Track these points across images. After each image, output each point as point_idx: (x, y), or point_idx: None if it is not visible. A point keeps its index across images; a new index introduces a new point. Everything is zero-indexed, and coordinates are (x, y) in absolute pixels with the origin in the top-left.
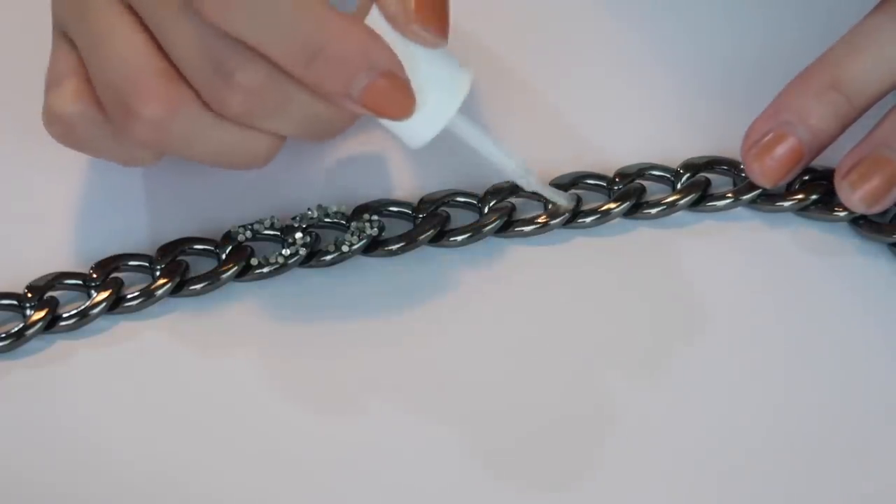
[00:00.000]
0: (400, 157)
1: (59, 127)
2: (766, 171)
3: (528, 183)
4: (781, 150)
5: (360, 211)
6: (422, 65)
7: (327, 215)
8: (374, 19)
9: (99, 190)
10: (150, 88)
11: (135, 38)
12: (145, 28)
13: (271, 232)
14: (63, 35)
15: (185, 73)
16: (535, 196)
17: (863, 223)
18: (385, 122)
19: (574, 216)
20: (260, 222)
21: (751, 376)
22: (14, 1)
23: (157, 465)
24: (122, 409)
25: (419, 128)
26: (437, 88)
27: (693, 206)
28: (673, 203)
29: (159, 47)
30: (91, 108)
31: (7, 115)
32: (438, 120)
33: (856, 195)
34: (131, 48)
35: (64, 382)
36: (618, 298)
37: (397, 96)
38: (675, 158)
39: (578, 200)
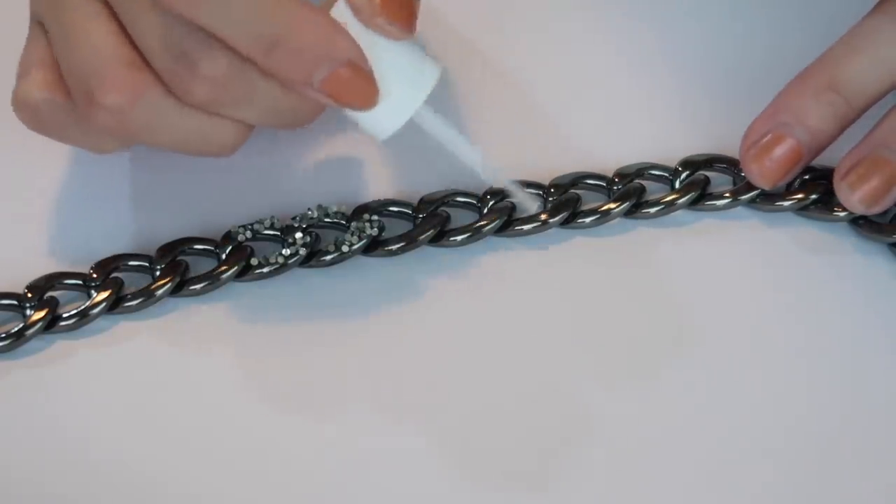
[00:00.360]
0: (400, 157)
1: (27, 113)
2: (765, 172)
3: (496, 179)
4: (780, 151)
5: (360, 211)
6: (387, 56)
7: (327, 215)
8: (341, 10)
9: (99, 190)
10: (113, 77)
11: (103, 27)
12: (115, 18)
13: (271, 232)
14: (38, 25)
15: (151, 62)
16: (542, 197)
17: (863, 223)
18: (351, 114)
19: (574, 216)
20: (260, 222)
21: (751, 376)
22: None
23: (157, 464)
24: (122, 409)
25: (384, 119)
26: (403, 80)
27: (692, 205)
28: (672, 202)
29: (128, 37)
30: (57, 96)
31: (7, 116)
32: (403, 112)
33: (855, 196)
34: (99, 37)
35: (64, 382)
36: (617, 298)
37: (359, 86)
38: (674, 158)
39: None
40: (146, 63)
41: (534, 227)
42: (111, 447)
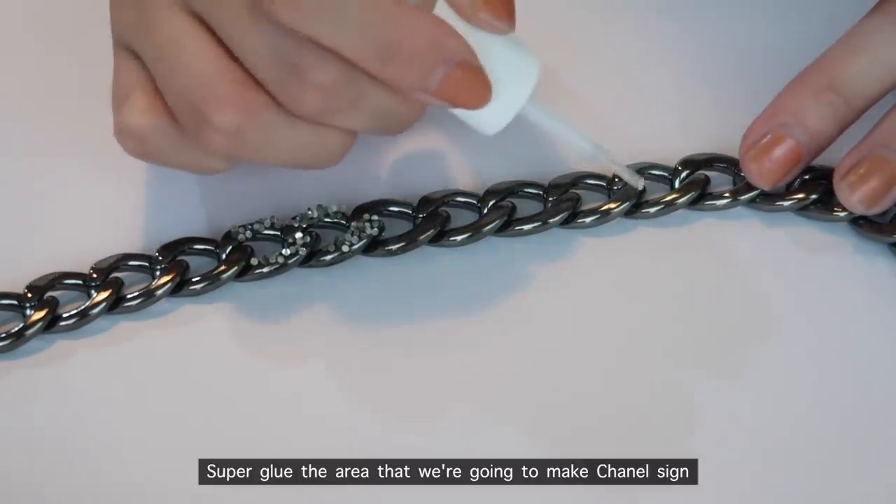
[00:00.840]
0: (400, 157)
1: (133, 141)
2: (765, 172)
3: (604, 161)
4: (779, 151)
5: (360, 211)
6: (492, 52)
7: (327, 215)
8: (441, 9)
9: (99, 190)
10: (223, 95)
11: (204, 46)
12: (213, 36)
13: (271, 232)
14: (126, 49)
15: (258, 77)
16: (542, 197)
17: (863, 223)
18: (458, 112)
19: (574, 216)
20: (260, 222)
21: (750, 375)
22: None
23: (157, 464)
24: (123, 409)
25: (494, 115)
26: (509, 74)
27: (692, 204)
28: (671, 202)
29: (229, 54)
30: (164, 120)
31: (7, 116)
32: (512, 105)
33: (855, 196)
34: (201, 56)
35: (64, 382)
36: (618, 298)
37: (473, 86)
38: (674, 158)
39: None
40: (254, 79)
41: (534, 227)
42: (111, 447)
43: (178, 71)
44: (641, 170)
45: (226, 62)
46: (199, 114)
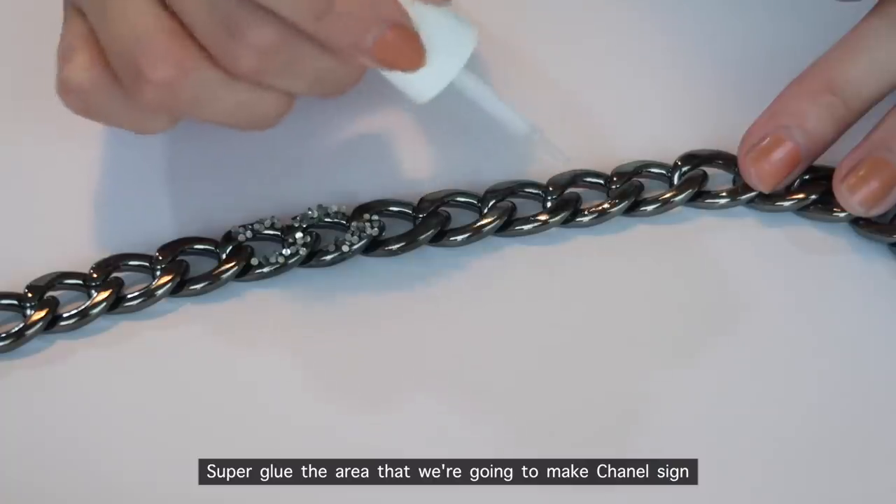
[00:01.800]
0: (400, 157)
1: (74, 97)
2: (763, 175)
3: (535, 140)
4: (778, 154)
5: (360, 211)
6: (428, 19)
7: (327, 215)
8: None
9: (99, 190)
10: (159, 50)
11: (145, 3)
12: None
13: (271, 232)
14: (73, 8)
15: (196, 35)
16: (542, 196)
17: (863, 223)
18: (392, 77)
19: (573, 215)
20: (260, 222)
21: (750, 376)
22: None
23: (157, 464)
24: (122, 409)
25: (426, 82)
26: (444, 43)
27: (691, 201)
28: (669, 199)
29: (169, 10)
30: (104, 76)
31: (7, 116)
32: (445, 74)
33: (854, 198)
34: (140, 12)
35: (64, 382)
36: (618, 298)
37: (408, 48)
38: (673, 156)
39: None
40: (191, 36)
41: (534, 227)
42: (111, 447)
43: (116, 26)
44: (639, 168)
45: (165, 20)
46: (134, 68)
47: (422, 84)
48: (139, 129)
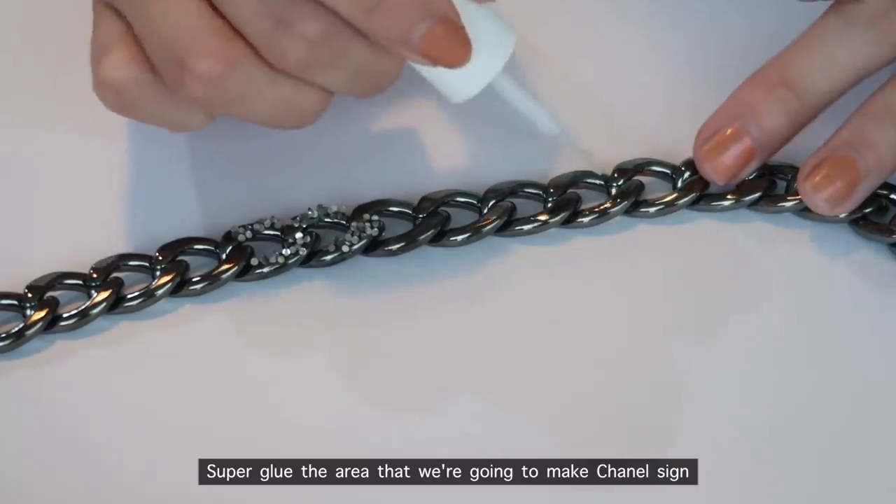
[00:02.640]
0: (400, 157)
1: (112, 93)
2: (718, 168)
3: (570, 143)
4: (732, 148)
5: (360, 211)
6: (474, 16)
7: (327, 215)
8: None
9: (99, 190)
10: (204, 44)
11: None
12: None
13: (271, 232)
14: (105, 6)
15: (242, 28)
16: (542, 197)
17: (863, 223)
18: (433, 75)
19: (574, 216)
20: (260, 222)
21: (750, 375)
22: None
23: (157, 465)
24: (123, 409)
25: (466, 81)
26: (487, 41)
27: (693, 205)
28: (672, 202)
29: (212, 6)
30: (143, 72)
31: (7, 116)
32: (485, 74)
33: (818, 196)
34: (184, 8)
35: (64, 382)
36: (618, 298)
37: (454, 44)
38: (674, 155)
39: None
40: (235, 31)
41: (534, 228)
42: (111, 447)
43: (159, 22)
44: (641, 165)
45: (208, 13)
46: (179, 62)
47: (462, 82)
48: (176, 126)
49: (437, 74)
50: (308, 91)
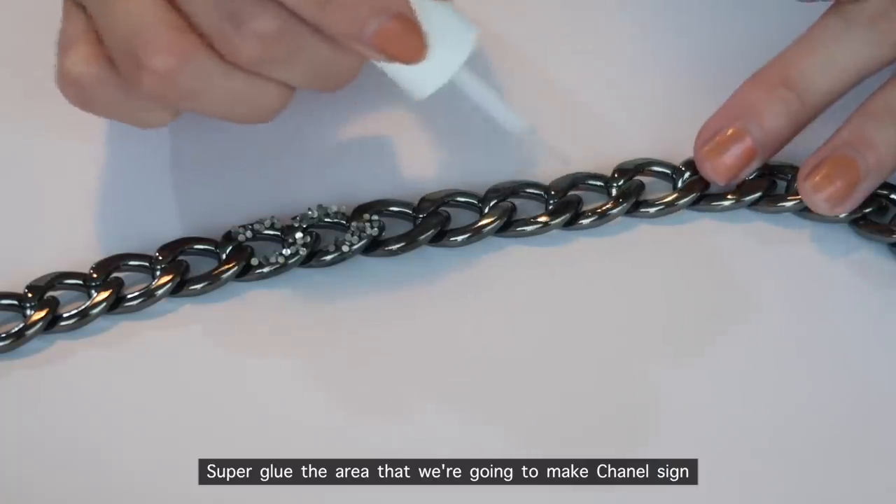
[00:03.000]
0: (400, 157)
1: (74, 89)
2: (719, 169)
3: (533, 141)
4: (733, 148)
5: (360, 211)
6: (430, 13)
7: (327, 215)
8: None
9: (99, 190)
10: (159, 39)
11: None
12: None
13: (271, 232)
14: (72, 1)
15: (197, 23)
16: (543, 197)
17: (863, 223)
18: (392, 71)
19: (575, 217)
20: (260, 222)
21: (750, 376)
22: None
23: (157, 465)
24: (122, 409)
25: (426, 77)
26: (445, 40)
27: (693, 205)
28: (672, 203)
29: (169, 2)
30: (104, 68)
31: (7, 116)
32: (445, 70)
33: (818, 196)
34: (141, 3)
35: (64, 382)
36: (618, 298)
37: (409, 39)
38: (674, 155)
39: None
40: (191, 26)
41: (535, 229)
42: (111, 447)
43: (117, 17)
44: (641, 165)
45: (164, 8)
46: (134, 57)
47: (421, 79)
48: (139, 122)
49: (395, 70)
50: (265, 86)
